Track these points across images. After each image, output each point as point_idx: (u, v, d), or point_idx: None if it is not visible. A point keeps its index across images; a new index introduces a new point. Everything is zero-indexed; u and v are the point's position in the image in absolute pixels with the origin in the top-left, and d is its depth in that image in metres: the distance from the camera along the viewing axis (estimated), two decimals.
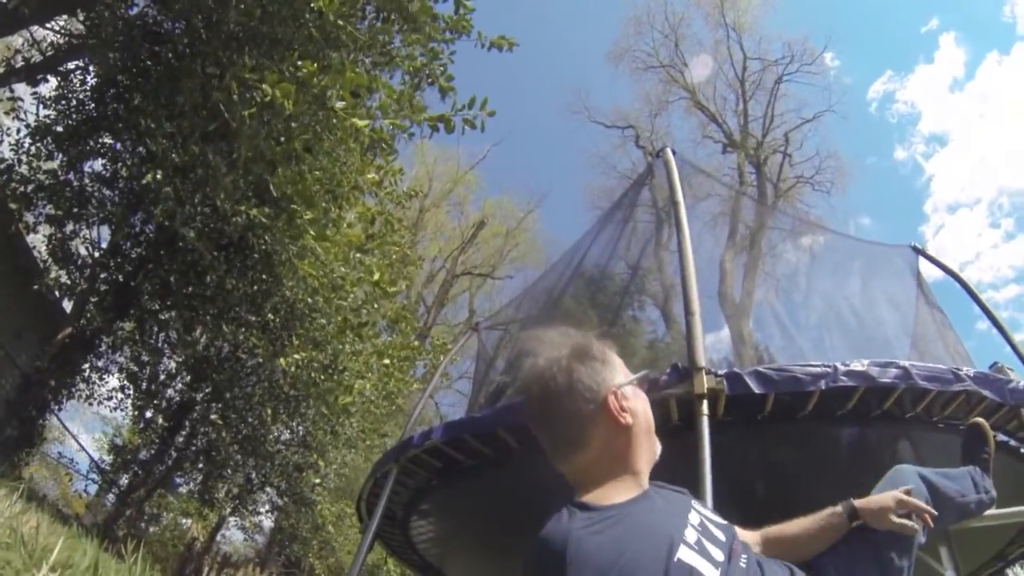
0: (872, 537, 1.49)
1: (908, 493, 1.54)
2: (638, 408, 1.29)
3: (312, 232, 6.39)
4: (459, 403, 22.86)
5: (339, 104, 5.48)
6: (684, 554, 1.02)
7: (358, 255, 8.62)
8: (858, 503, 1.52)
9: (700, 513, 1.24)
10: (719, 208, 11.86)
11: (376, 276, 8.05)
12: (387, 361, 9.02)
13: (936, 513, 1.53)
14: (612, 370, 1.29)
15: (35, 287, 7.64)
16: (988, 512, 2.17)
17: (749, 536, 1.50)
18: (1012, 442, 3.97)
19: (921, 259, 6.54)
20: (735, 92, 24.01)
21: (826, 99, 23.09)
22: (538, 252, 27.72)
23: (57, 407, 8.36)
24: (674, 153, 5.36)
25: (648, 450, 1.29)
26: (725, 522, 1.30)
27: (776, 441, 3.85)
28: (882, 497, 1.53)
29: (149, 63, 6.84)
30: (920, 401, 3.62)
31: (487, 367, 7.62)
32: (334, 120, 5.74)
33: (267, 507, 11.61)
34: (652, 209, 6.73)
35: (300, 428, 9.97)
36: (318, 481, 10.45)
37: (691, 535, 1.10)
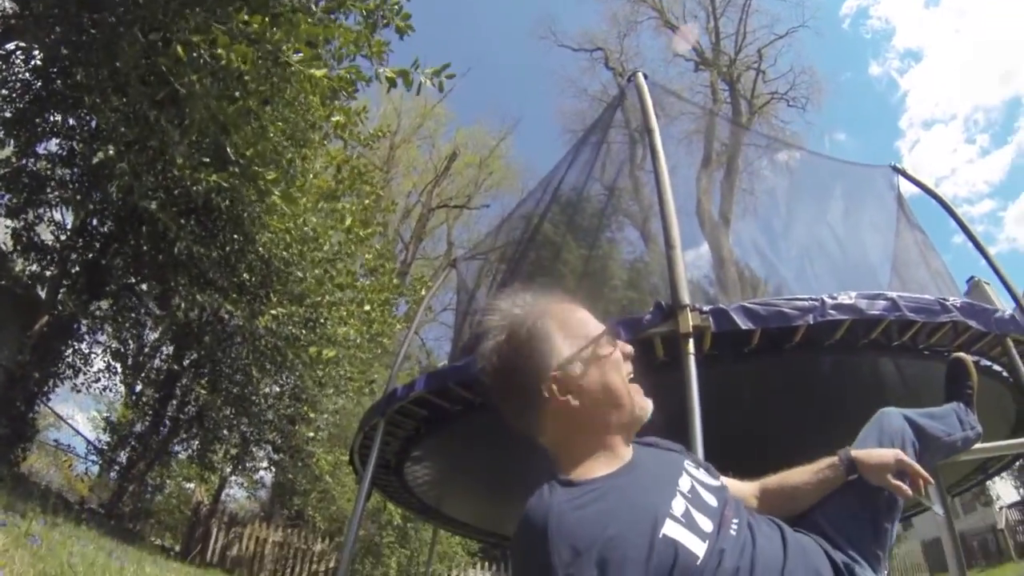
0: (865, 491, 1.47)
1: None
2: (591, 380, 1.18)
3: (277, 192, 6.21)
4: (444, 335, 23.14)
5: (296, 57, 5.23)
6: (670, 528, 1.00)
7: (328, 204, 8.44)
8: (856, 455, 1.48)
9: (691, 476, 1.20)
10: (693, 127, 11.70)
11: (348, 222, 7.89)
12: (368, 307, 8.93)
13: (932, 481, 1.51)
14: (549, 350, 1.18)
15: (1, 282, 7.41)
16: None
17: (747, 488, 1.50)
18: (995, 367, 4.04)
19: (900, 178, 6.49)
20: (705, 9, 23.73)
21: (799, 15, 22.87)
22: (513, 178, 27.85)
23: (45, 398, 8.26)
24: (646, 77, 5.17)
25: (618, 418, 1.18)
26: (718, 482, 1.27)
27: (763, 373, 3.84)
28: (881, 453, 1.50)
29: (93, 32, 6.43)
30: (907, 331, 3.64)
31: (469, 298, 7.61)
32: (290, 73, 5.49)
33: (265, 463, 11.71)
34: (625, 130, 6.61)
35: (288, 381, 9.95)
36: (312, 434, 10.51)
37: (679, 506, 1.07)
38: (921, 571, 16.70)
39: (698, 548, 1.00)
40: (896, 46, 52.81)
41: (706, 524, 1.07)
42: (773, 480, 1.52)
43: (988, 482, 9.03)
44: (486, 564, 13.48)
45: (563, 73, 26.15)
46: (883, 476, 1.43)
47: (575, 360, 1.18)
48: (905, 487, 1.41)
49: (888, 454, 1.48)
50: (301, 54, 5.26)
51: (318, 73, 5.30)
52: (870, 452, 1.51)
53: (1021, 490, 16.52)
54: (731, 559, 1.03)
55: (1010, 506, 16.39)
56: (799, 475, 1.51)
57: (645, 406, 1.21)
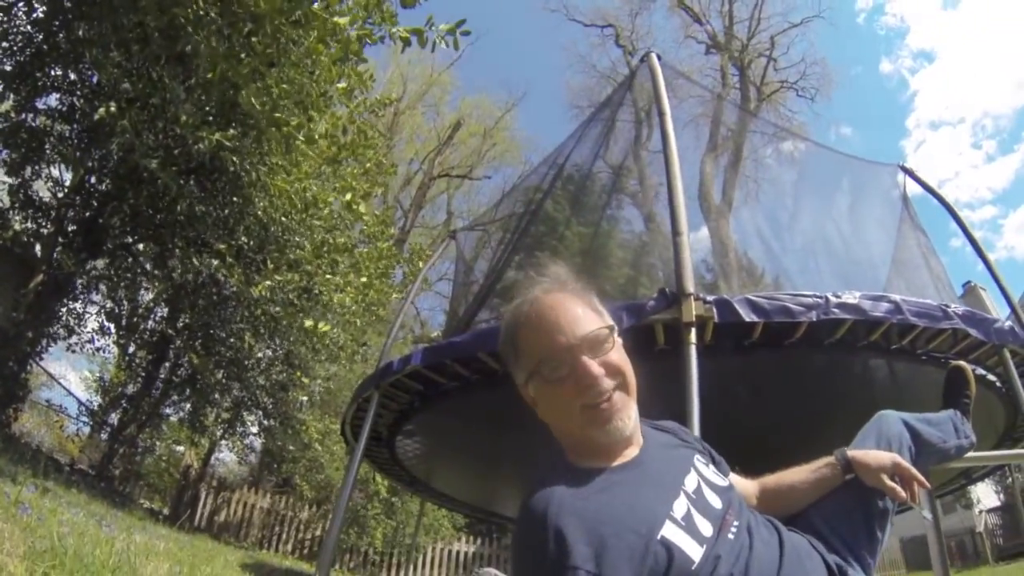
0: (861, 493, 1.48)
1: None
2: (546, 405, 1.18)
3: (301, 137, 6.17)
4: (439, 305, 23.20)
5: (317, 5, 5.15)
6: (668, 531, 1.00)
7: (330, 168, 8.36)
8: (853, 455, 1.50)
9: (699, 475, 1.20)
10: (700, 110, 11.60)
11: (348, 196, 7.81)
12: (364, 278, 8.89)
13: (928, 486, 1.53)
14: (516, 366, 1.22)
15: None
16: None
17: (749, 487, 1.51)
18: (990, 376, 4.07)
19: (906, 178, 6.46)
20: None
21: (816, 4, 22.51)
22: (516, 151, 27.88)
23: (38, 357, 8.20)
24: (659, 58, 5.09)
25: (584, 439, 1.14)
26: (725, 482, 1.26)
27: (761, 366, 3.84)
28: (878, 455, 1.50)
29: None
30: (907, 334, 3.64)
31: (467, 270, 7.59)
32: (310, 23, 5.39)
33: (256, 428, 11.73)
34: (632, 109, 6.56)
35: (282, 346, 9.93)
36: (305, 398, 10.50)
37: (680, 507, 1.07)
38: (898, 567, 16.90)
39: (694, 552, 1.00)
40: (910, 45, 52.49)
41: (706, 528, 1.07)
42: (772, 479, 1.53)
43: (970, 486, 9.09)
44: (471, 538, 13.58)
45: (572, 48, 26.05)
46: (879, 477, 1.44)
47: (530, 382, 1.18)
48: (900, 490, 1.41)
49: (885, 456, 1.49)
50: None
51: (341, 21, 5.22)
52: (867, 453, 1.52)
53: (1002, 495, 16.68)
54: (726, 565, 1.03)
55: (990, 510, 16.55)
56: (796, 474, 1.53)
57: (599, 436, 1.13)
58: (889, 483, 1.42)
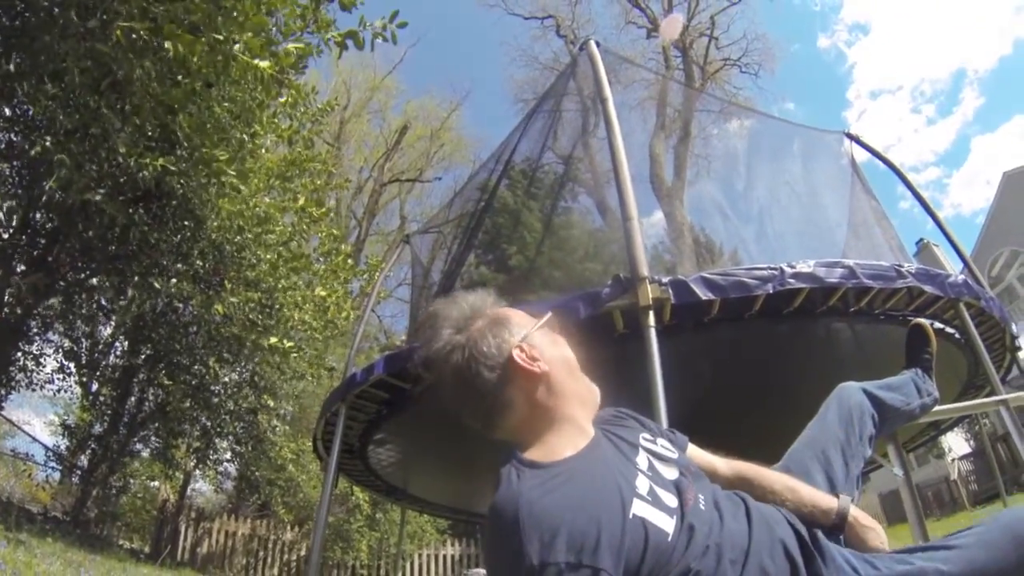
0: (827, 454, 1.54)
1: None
2: (553, 354, 1.26)
3: (232, 171, 6.01)
4: (401, 311, 23.03)
5: (238, 47, 5.02)
6: (638, 507, 1.01)
7: (280, 182, 8.22)
8: (854, 516, 1.35)
9: (648, 452, 1.21)
10: (646, 93, 11.65)
11: (301, 202, 7.70)
12: (322, 292, 8.77)
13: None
14: (509, 327, 1.27)
15: None
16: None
17: (718, 463, 1.48)
18: (948, 329, 4.15)
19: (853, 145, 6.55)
20: None
21: None
22: (465, 150, 27.78)
23: None
24: (598, 45, 5.10)
25: (577, 393, 1.25)
26: (675, 454, 1.27)
27: (723, 341, 3.86)
28: (875, 530, 1.37)
29: (27, 16, 6.07)
30: (863, 297, 3.69)
31: (425, 273, 7.55)
32: (233, 63, 5.27)
33: (228, 455, 11.51)
34: (578, 98, 6.57)
35: (247, 369, 9.75)
36: (276, 424, 10.34)
37: (643, 484, 1.08)
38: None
39: (667, 525, 1.01)
40: (844, 19, 53.80)
41: (671, 500, 1.07)
42: (750, 471, 1.44)
43: (940, 436, 9.32)
44: (456, 540, 13.53)
45: (514, 42, 25.99)
46: (865, 542, 1.34)
47: (534, 335, 1.25)
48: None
49: (878, 535, 1.36)
50: (242, 45, 5.06)
51: (263, 64, 5.10)
52: (868, 522, 1.37)
53: (972, 442, 17.14)
54: (701, 536, 1.04)
55: (961, 458, 17.00)
56: (787, 492, 1.37)
57: (594, 388, 1.30)
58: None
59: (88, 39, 5.28)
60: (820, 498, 1.36)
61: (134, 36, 5.02)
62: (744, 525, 1.14)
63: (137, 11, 4.98)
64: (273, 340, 7.68)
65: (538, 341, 1.25)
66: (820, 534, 1.24)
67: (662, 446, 1.26)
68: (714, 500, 1.16)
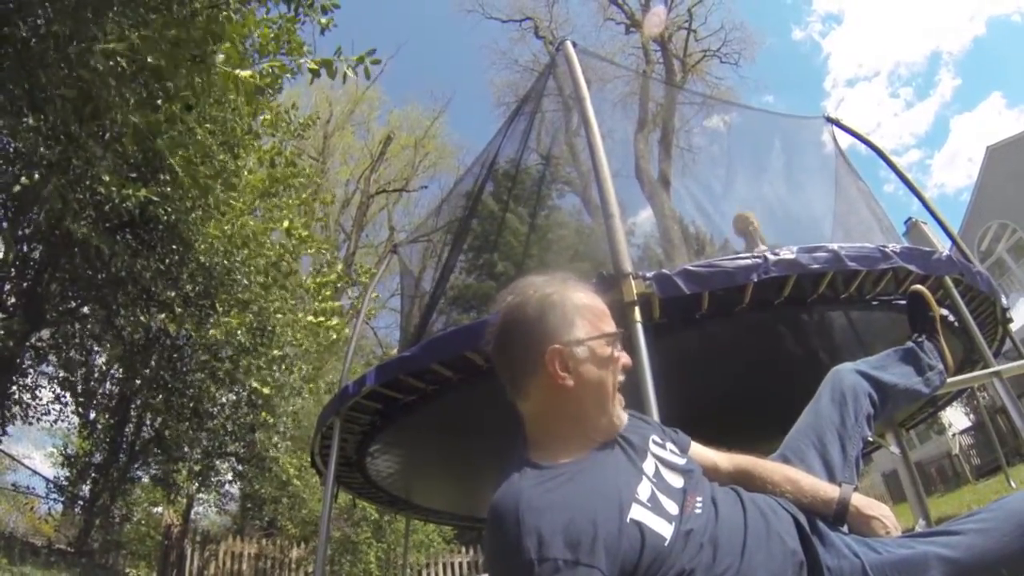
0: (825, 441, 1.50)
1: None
2: (590, 374, 1.19)
3: (219, 187, 6.01)
4: (395, 323, 22.77)
5: (219, 58, 5.02)
6: (636, 512, 1.03)
7: (264, 200, 8.22)
8: (856, 504, 1.30)
9: (656, 459, 1.22)
10: (627, 89, 11.65)
11: (286, 224, 7.69)
12: (313, 319, 8.78)
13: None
14: (568, 321, 1.20)
15: None
16: None
17: (718, 459, 1.46)
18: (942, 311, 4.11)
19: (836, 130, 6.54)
20: None
21: None
22: (449, 157, 27.65)
23: None
24: (575, 45, 5.10)
25: (596, 423, 1.19)
26: (683, 460, 1.28)
27: (716, 338, 3.84)
28: (877, 517, 1.31)
29: (4, 49, 6.03)
30: (851, 282, 3.68)
31: (416, 281, 7.55)
32: (215, 74, 5.26)
33: (230, 475, 11.47)
34: (559, 97, 6.59)
35: (245, 389, 9.72)
36: (276, 441, 10.29)
37: (645, 490, 1.10)
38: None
39: (665, 530, 1.03)
40: (817, 10, 54.18)
41: (671, 507, 1.09)
42: (749, 464, 1.42)
43: (940, 412, 9.33)
44: (463, 548, 13.48)
45: (493, 46, 25.93)
46: (870, 527, 1.29)
47: (584, 344, 1.19)
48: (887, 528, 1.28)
49: (881, 521, 1.31)
50: (224, 56, 5.06)
51: (244, 74, 5.10)
52: (872, 510, 1.31)
53: (971, 416, 17.15)
54: (697, 536, 1.06)
55: (962, 432, 17.01)
56: (783, 480, 1.35)
57: (622, 418, 1.25)
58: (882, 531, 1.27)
59: (68, 67, 5.27)
60: (820, 488, 1.32)
61: (112, 63, 5.01)
62: (740, 518, 1.16)
63: (114, 35, 4.96)
64: (255, 384, 7.65)
65: (584, 353, 1.18)
66: (819, 522, 1.25)
67: (670, 451, 1.27)
68: (712, 498, 1.18)
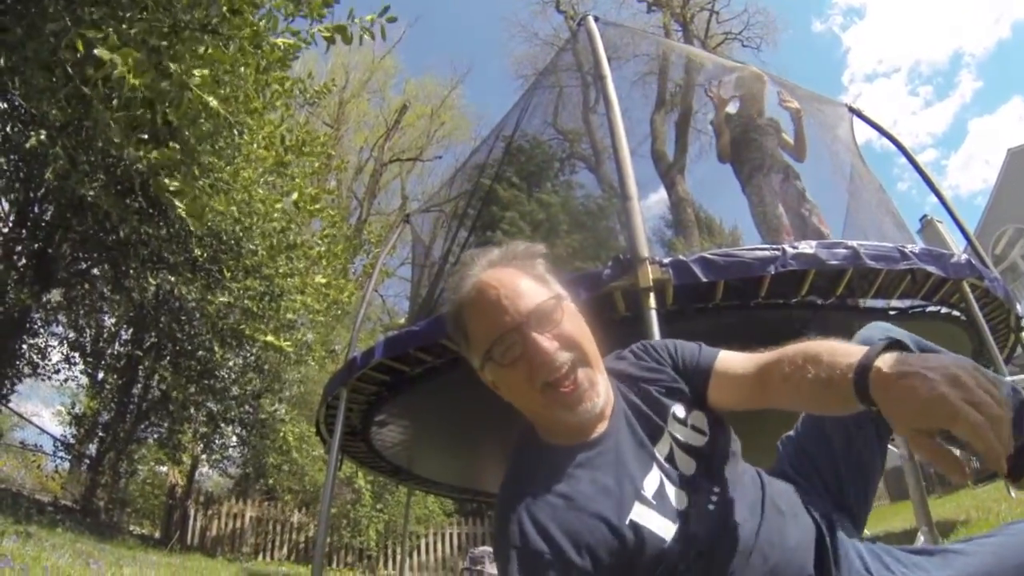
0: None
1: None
2: (505, 392, 1.12)
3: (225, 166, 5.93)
4: (404, 291, 22.83)
5: (195, 81, 4.86)
6: (637, 512, 1.01)
7: (276, 168, 8.14)
8: (880, 369, 0.82)
9: (673, 440, 1.13)
10: (646, 68, 11.47)
11: (295, 196, 7.63)
12: (322, 278, 8.73)
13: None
14: (467, 349, 1.16)
15: None
16: None
17: (750, 376, 1.14)
18: (955, 313, 4.12)
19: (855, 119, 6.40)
20: None
21: None
22: (465, 128, 27.62)
23: (5, 400, 8.02)
24: (597, 20, 5.02)
25: (553, 423, 1.11)
26: (704, 442, 1.14)
27: (731, 330, 3.79)
28: (941, 363, 0.77)
29: (18, 8, 5.96)
30: (872, 282, 3.63)
31: (426, 251, 7.55)
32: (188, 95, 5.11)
33: (235, 440, 11.59)
34: (578, 73, 6.49)
35: (251, 354, 9.76)
36: (282, 408, 10.36)
37: (652, 482, 1.06)
38: (881, 498, 17.30)
39: (665, 531, 1.00)
40: (839, 3, 53.27)
41: (679, 500, 1.06)
42: (768, 365, 1.10)
43: None
44: (463, 520, 13.59)
45: (513, 18, 25.61)
46: (917, 419, 0.76)
47: (482, 370, 1.13)
48: (951, 454, 0.76)
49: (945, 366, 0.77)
50: (199, 80, 4.90)
51: (214, 103, 4.90)
52: (910, 363, 0.80)
53: None
54: (700, 539, 1.03)
55: None
56: (805, 363, 0.99)
57: (568, 417, 1.07)
58: (930, 443, 0.75)
59: (55, 46, 5.18)
60: (840, 368, 0.89)
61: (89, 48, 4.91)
62: (753, 526, 1.07)
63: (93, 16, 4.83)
64: (269, 338, 7.67)
65: (493, 375, 1.11)
66: (839, 531, 1.15)
67: (692, 427, 1.15)
68: (728, 495, 1.09)
